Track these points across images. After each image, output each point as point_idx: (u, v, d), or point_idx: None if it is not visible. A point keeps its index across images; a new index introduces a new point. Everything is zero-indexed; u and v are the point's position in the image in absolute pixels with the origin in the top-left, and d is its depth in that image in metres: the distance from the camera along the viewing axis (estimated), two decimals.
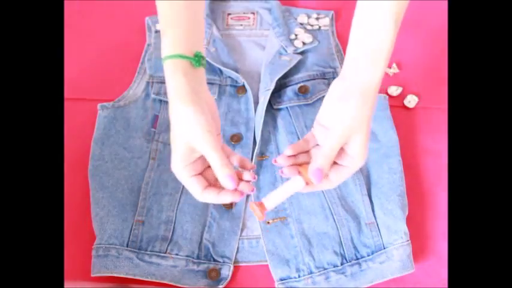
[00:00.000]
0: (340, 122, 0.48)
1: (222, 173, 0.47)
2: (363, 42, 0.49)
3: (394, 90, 0.76)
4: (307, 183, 0.50)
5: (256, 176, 0.51)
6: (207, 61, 0.75)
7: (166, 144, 0.69)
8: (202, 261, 0.61)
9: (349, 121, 0.48)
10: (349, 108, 0.48)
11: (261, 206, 0.50)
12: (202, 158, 0.48)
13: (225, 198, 0.48)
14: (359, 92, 0.48)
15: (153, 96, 0.72)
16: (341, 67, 0.76)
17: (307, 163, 0.51)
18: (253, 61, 0.79)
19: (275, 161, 0.52)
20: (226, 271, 0.61)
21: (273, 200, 0.51)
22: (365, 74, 0.48)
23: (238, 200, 0.50)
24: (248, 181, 0.50)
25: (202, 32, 0.53)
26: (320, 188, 0.52)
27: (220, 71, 0.75)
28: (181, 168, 0.48)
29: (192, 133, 0.46)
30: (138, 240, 0.61)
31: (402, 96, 0.77)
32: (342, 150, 0.49)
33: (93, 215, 0.63)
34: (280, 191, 0.51)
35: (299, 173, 0.51)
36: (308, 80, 0.74)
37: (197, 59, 0.48)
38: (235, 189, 0.48)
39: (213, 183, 0.49)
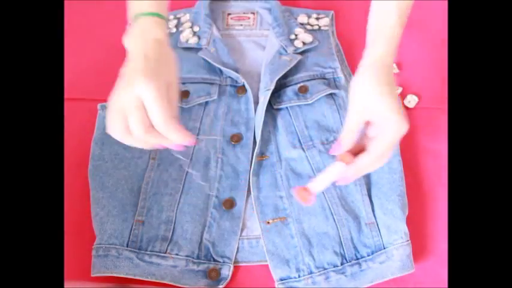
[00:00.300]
0: (357, 96, 0.52)
1: (172, 125, 0.48)
2: (374, 25, 0.56)
3: None
4: (347, 164, 0.52)
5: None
6: (207, 60, 0.75)
7: None
8: (202, 261, 0.61)
9: (365, 92, 0.51)
10: (364, 80, 0.52)
11: (306, 190, 0.52)
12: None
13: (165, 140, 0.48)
14: (370, 64, 0.53)
15: None
16: (341, 67, 0.77)
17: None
18: (253, 61, 0.79)
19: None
20: (226, 271, 0.61)
21: (317, 183, 0.53)
22: (374, 48, 0.54)
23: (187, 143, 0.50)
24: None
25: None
26: (362, 164, 0.52)
27: (220, 71, 0.75)
28: (156, 87, 0.47)
29: (172, 72, 0.51)
30: (138, 240, 0.61)
31: (402, 96, 0.77)
32: (375, 124, 0.52)
33: (93, 215, 0.63)
34: (324, 175, 0.53)
35: (340, 159, 0.53)
36: (308, 80, 0.74)
37: (161, 14, 0.54)
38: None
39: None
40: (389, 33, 0.55)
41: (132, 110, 0.47)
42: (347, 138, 0.52)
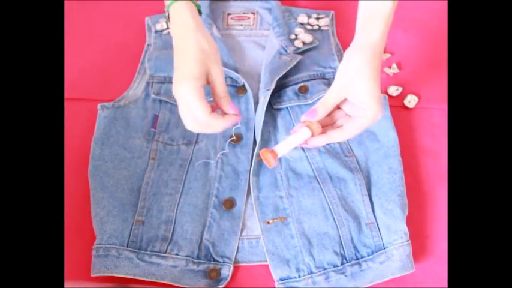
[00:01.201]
0: (343, 73, 0.54)
1: (227, 99, 0.54)
2: (366, 11, 0.57)
3: (395, 91, 0.76)
4: (312, 134, 0.54)
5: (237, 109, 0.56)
6: None
7: (167, 144, 0.69)
8: (202, 261, 0.61)
9: (352, 72, 0.53)
10: (354, 61, 0.53)
11: (272, 152, 0.53)
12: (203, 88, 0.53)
13: (230, 120, 0.54)
14: (364, 47, 0.54)
15: (153, 96, 0.72)
16: None
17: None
18: (253, 61, 0.79)
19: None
20: (226, 271, 0.61)
21: (282, 146, 0.54)
22: (367, 32, 0.55)
23: (238, 119, 0.55)
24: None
25: None
26: (333, 138, 0.55)
27: None
28: (190, 87, 0.51)
29: (210, 54, 0.53)
30: (138, 240, 0.61)
31: (402, 96, 0.77)
32: (351, 103, 0.54)
33: (93, 215, 0.63)
34: (289, 139, 0.55)
35: (307, 126, 0.55)
36: (308, 80, 0.74)
37: (199, 6, 0.58)
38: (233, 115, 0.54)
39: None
40: (385, 19, 0.55)
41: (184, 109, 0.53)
42: (322, 110, 0.54)
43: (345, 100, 0.55)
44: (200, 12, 0.59)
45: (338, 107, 0.56)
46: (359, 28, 0.57)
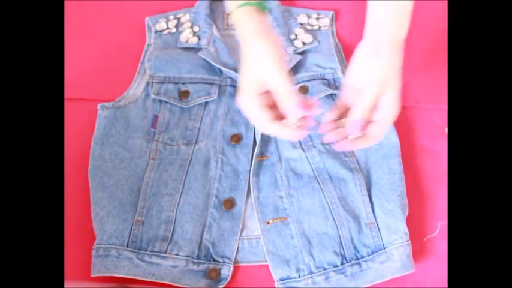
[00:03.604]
0: (375, 76, 0.52)
1: (290, 100, 0.50)
2: (387, 6, 0.53)
3: None
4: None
5: (318, 110, 0.53)
6: (207, 61, 0.75)
7: (166, 144, 0.69)
8: (202, 261, 0.61)
9: (384, 73, 0.52)
10: (382, 61, 0.52)
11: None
12: (269, 94, 0.52)
13: (289, 133, 0.52)
14: (390, 45, 0.52)
15: (153, 96, 0.72)
16: (341, 67, 0.77)
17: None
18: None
19: (320, 129, 0.56)
20: (226, 271, 0.61)
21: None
22: (393, 30, 0.53)
23: (301, 137, 0.53)
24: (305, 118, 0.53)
25: None
26: (363, 145, 0.55)
27: (220, 71, 0.75)
28: (250, 99, 0.52)
29: (263, 64, 0.51)
30: (138, 240, 0.61)
31: None
32: (374, 106, 0.53)
33: (93, 215, 0.63)
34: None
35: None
36: (308, 81, 0.74)
37: (262, 4, 0.54)
38: (301, 120, 0.52)
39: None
40: (407, 17, 0.53)
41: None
42: (364, 115, 0.53)
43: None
44: (264, 9, 0.55)
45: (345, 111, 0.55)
46: (376, 25, 0.54)
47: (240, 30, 0.54)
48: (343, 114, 0.56)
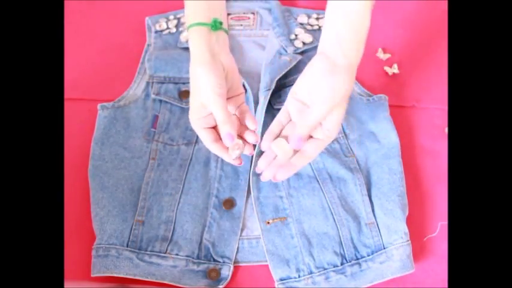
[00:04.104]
0: (329, 95, 0.52)
1: (223, 129, 0.53)
2: (345, 23, 0.52)
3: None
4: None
5: (257, 135, 0.57)
6: None
7: (166, 144, 0.69)
8: (202, 261, 0.61)
9: (337, 94, 0.52)
10: (337, 82, 0.51)
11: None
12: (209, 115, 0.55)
13: (226, 157, 0.55)
14: (346, 69, 0.52)
15: (153, 96, 0.72)
16: None
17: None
18: (253, 61, 0.79)
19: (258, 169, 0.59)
20: (226, 271, 0.61)
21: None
22: (352, 53, 0.52)
23: (237, 163, 0.56)
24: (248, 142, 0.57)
25: (222, 3, 0.60)
26: (299, 164, 0.56)
27: None
28: (194, 120, 0.55)
29: (203, 91, 0.53)
30: (138, 240, 0.61)
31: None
32: (319, 124, 0.54)
33: (93, 215, 0.63)
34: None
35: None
36: None
37: (214, 24, 0.55)
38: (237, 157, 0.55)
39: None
40: (364, 37, 0.52)
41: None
42: (306, 134, 0.54)
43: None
44: (226, 32, 0.58)
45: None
46: (334, 42, 0.52)
47: (190, 50, 0.55)
48: (281, 130, 0.58)
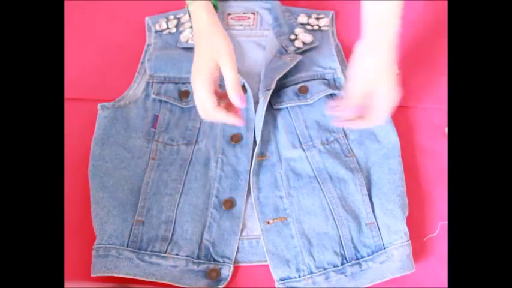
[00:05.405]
0: (371, 66, 0.58)
1: (235, 90, 0.56)
2: (379, 6, 0.58)
3: None
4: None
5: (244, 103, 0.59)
6: None
7: (167, 144, 0.69)
8: (202, 261, 0.61)
9: (380, 64, 0.58)
10: (380, 55, 0.58)
11: None
12: (216, 81, 0.58)
13: (232, 119, 0.59)
14: (386, 42, 0.58)
15: (153, 96, 0.72)
16: (341, 67, 0.77)
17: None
18: (253, 61, 0.79)
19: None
20: (227, 271, 0.61)
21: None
22: (389, 25, 0.58)
23: (240, 124, 0.61)
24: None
25: None
26: (361, 124, 0.63)
27: None
28: (199, 83, 0.57)
29: (216, 49, 0.57)
30: (138, 240, 0.61)
31: None
32: (371, 96, 0.59)
33: (93, 215, 0.63)
34: None
35: None
36: (308, 81, 0.74)
37: (216, 3, 0.62)
38: (239, 113, 0.60)
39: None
40: (399, 14, 0.58)
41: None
42: (353, 103, 0.61)
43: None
44: (216, 8, 0.63)
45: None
46: (372, 23, 0.59)
47: (198, 19, 0.60)
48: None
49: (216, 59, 0.57)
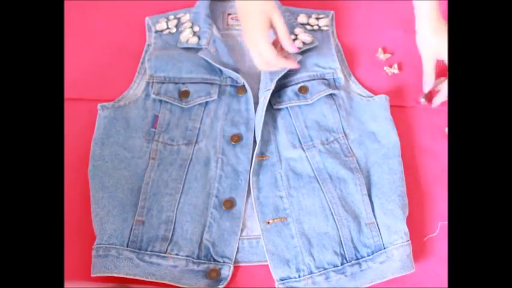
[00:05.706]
0: (437, 45, 0.71)
1: (287, 38, 0.65)
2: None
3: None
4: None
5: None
6: (207, 61, 0.75)
7: (167, 144, 0.69)
8: (202, 261, 0.61)
9: (443, 52, 0.71)
10: (443, 42, 0.70)
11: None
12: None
13: (291, 64, 0.68)
14: (440, 28, 0.70)
15: (153, 96, 0.72)
16: (341, 67, 0.77)
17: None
18: (253, 61, 0.79)
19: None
20: (227, 271, 0.61)
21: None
22: (437, 19, 0.71)
23: (297, 66, 0.70)
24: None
25: None
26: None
27: (220, 71, 0.75)
28: (262, 36, 0.64)
29: (270, 3, 0.65)
30: (138, 240, 0.61)
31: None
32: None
33: (93, 215, 0.63)
34: None
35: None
36: (308, 81, 0.74)
37: None
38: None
39: None
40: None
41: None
42: (430, 80, 0.74)
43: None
44: None
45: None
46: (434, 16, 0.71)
47: None
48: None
49: (268, 13, 0.64)
